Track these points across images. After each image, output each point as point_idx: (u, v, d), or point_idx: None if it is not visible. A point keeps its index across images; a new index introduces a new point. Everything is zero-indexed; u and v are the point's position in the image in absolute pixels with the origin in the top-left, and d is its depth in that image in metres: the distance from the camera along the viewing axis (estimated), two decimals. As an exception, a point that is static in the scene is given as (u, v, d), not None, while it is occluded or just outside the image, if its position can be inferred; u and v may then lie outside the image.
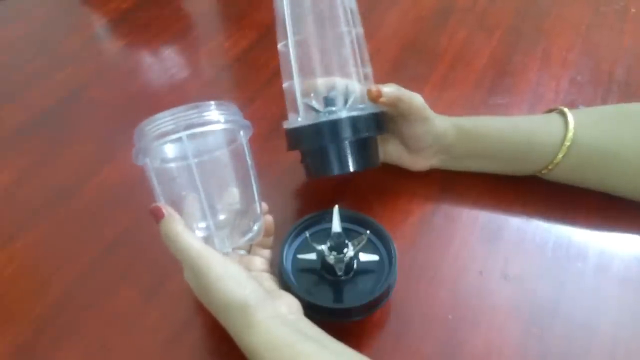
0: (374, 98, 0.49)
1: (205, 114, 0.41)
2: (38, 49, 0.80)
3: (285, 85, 0.52)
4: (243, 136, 0.44)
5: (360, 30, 0.52)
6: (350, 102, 0.50)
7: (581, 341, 0.44)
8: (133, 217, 0.55)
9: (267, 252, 0.48)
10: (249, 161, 0.44)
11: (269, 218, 0.47)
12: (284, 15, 0.51)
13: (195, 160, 0.41)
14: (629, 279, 0.48)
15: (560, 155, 0.50)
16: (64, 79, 0.74)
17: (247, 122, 0.44)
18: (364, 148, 0.51)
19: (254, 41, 0.79)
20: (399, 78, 0.71)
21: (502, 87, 0.70)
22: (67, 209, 0.56)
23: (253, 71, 0.74)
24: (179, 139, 0.40)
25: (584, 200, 0.54)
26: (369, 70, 0.53)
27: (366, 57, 0.53)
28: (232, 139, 0.44)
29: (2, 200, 0.58)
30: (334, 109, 0.50)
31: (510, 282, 0.48)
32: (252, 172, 0.44)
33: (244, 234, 0.44)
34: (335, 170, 0.50)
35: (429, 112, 0.52)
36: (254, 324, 0.37)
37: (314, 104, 0.51)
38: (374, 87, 0.49)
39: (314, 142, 0.50)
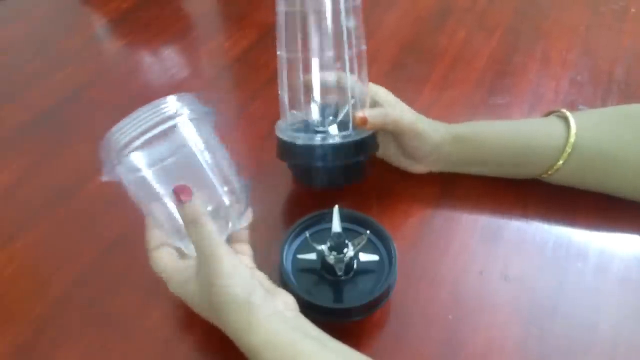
0: (360, 125, 0.49)
1: (158, 111, 0.40)
2: (38, 49, 0.80)
3: (280, 92, 0.52)
4: (207, 123, 0.43)
5: (363, 48, 0.52)
6: (341, 115, 0.50)
7: (581, 341, 0.44)
8: (133, 217, 0.55)
9: (247, 248, 0.46)
10: (217, 144, 0.43)
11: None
12: (281, 27, 0.51)
13: (170, 159, 0.40)
14: (629, 279, 0.48)
15: (561, 162, 0.50)
16: (64, 79, 0.74)
17: (206, 108, 0.42)
18: (352, 169, 0.51)
19: (254, 41, 0.79)
20: (399, 78, 0.71)
21: (502, 87, 0.70)
22: (67, 209, 0.56)
23: (253, 71, 0.74)
24: (141, 147, 0.39)
25: (584, 201, 0.54)
26: (365, 89, 0.52)
27: (364, 75, 0.52)
28: (197, 129, 0.42)
29: (2, 200, 0.58)
30: (326, 128, 0.50)
31: (510, 283, 0.48)
32: (226, 159, 0.43)
33: (238, 218, 0.44)
34: (322, 186, 0.51)
35: (421, 126, 0.51)
36: (254, 323, 0.37)
37: (309, 113, 0.50)
38: (358, 115, 0.49)
39: (302, 160, 0.51)
